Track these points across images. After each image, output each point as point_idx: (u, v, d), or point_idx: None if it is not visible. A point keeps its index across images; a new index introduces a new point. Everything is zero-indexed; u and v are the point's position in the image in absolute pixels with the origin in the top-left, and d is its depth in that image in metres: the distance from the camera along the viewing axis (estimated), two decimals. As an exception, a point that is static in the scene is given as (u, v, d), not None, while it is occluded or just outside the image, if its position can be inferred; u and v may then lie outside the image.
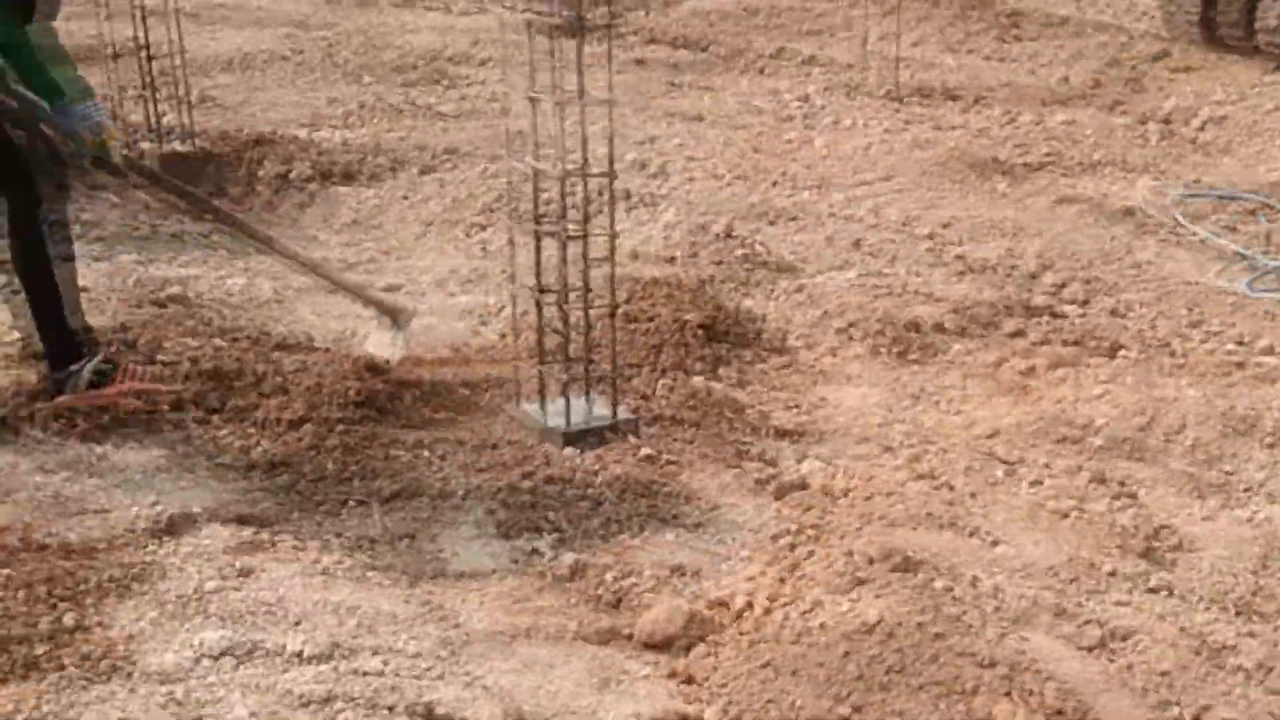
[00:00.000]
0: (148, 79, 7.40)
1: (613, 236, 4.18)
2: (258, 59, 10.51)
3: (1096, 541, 3.37)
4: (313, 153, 7.32)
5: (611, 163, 4.10)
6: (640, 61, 10.50)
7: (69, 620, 2.97)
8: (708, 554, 3.53)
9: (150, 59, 7.41)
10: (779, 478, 3.94)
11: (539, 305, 4.30)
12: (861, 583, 3.08)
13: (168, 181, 5.15)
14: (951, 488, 3.66)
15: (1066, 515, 3.47)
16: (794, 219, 6.35)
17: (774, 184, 6.93)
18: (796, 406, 4.49)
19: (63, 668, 2.84)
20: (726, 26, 12.13)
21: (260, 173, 7.22)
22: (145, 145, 7.34)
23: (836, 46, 10.72)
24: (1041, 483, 3.66)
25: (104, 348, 4.21)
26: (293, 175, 7.11)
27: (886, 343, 4.84)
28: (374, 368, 4.44)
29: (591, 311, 4.97)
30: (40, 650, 2.87)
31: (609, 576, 3.39)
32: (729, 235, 5.75)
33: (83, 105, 4.05)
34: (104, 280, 4.99)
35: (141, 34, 7.42)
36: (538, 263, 4.24)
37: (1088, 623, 3.02)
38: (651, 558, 3.48)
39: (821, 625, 2.98)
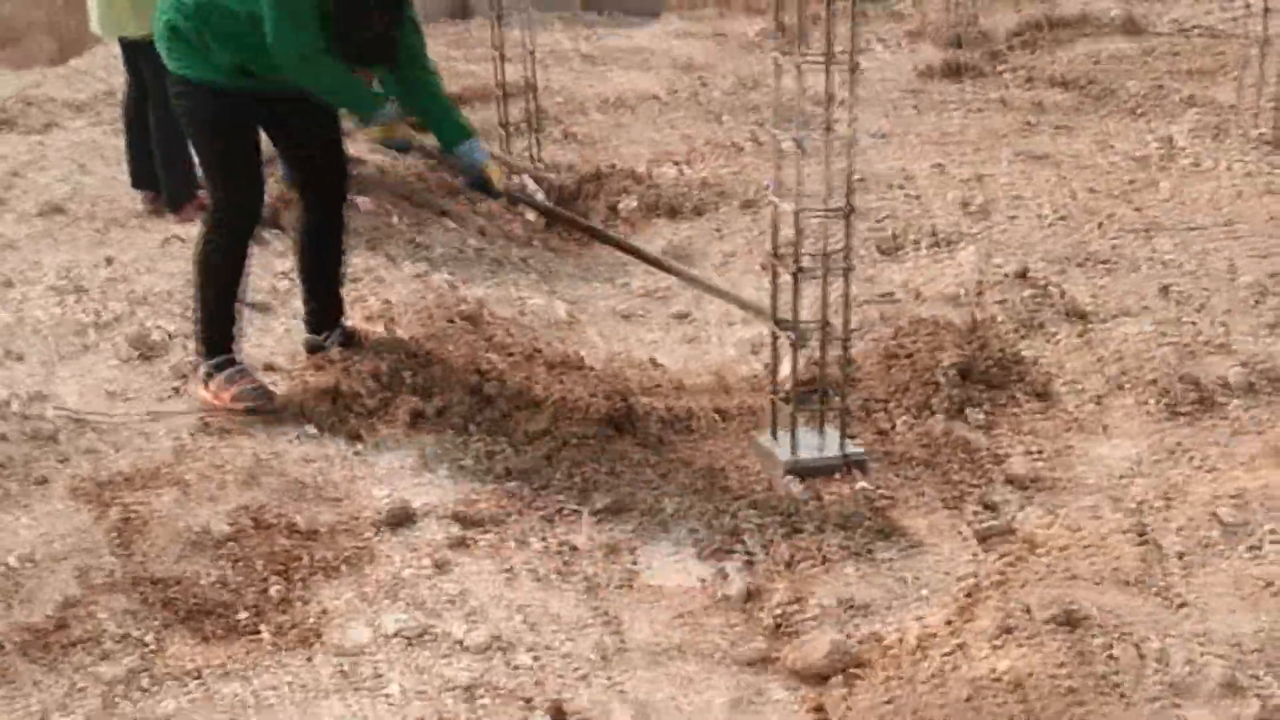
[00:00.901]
0: (504, 119, 8.00)
1: (847, 271, 4.19)
2: (631, 98, 11.06)
3: (1300, 616, 3.09)
4: (644, 186, 7.67)
5: (849, 197, 4.12)
6: (1004, 102, 10.27)
7: (274, 593, 3.34)
8: (886, 591, 3.50)
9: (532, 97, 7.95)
10: (992, 522, 3.83)
11: (774, 337, 4.38)
12: (1009, 631, 2.98)
13: (539, 204, 5.69)
14: (1159, 546, 3.45)
15: (1272, 584, 3.19)
16: (1106, 262, 6.07)
17: (1099, 226, 6.64)
18: (1039, 454, 4.33)
19: (257, 634, 3.21)
20: (1112, 67, 11.65)
21: (594, 204, 7.64)
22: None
23: (1222, 87, 10.08)
24: (1260, 549, 3.38)
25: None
26: (620, 208, 7.48)
27: (1158, 394, 4.57)
28: (623, 392, 4.64)
29: (852, 348, 5.02)
30: (242, 616, 3.25)
31: (776, 601, 3.42)
32: (1021, 276, 5.58)
33: (471, 142, 4.56)
34: (413, 297, 5.46)
35: (501, 75, 7.97)
36: (774, 296, 4.32)
37: (1256, 697, 2.79)
38: (827, 589, 3.49)
39: (956, 670, 2.91)
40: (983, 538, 3.72)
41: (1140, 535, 3.47)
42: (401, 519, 3.75)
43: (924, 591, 3.49)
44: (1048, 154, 8.34)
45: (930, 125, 9.33)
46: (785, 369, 4.67)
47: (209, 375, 4.49)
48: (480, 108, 9.77)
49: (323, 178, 4.70)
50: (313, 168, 4.70)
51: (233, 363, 4.54)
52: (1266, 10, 8.51)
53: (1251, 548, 3.40)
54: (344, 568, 3.50)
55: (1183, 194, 7.19)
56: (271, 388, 4.53)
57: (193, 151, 4.88)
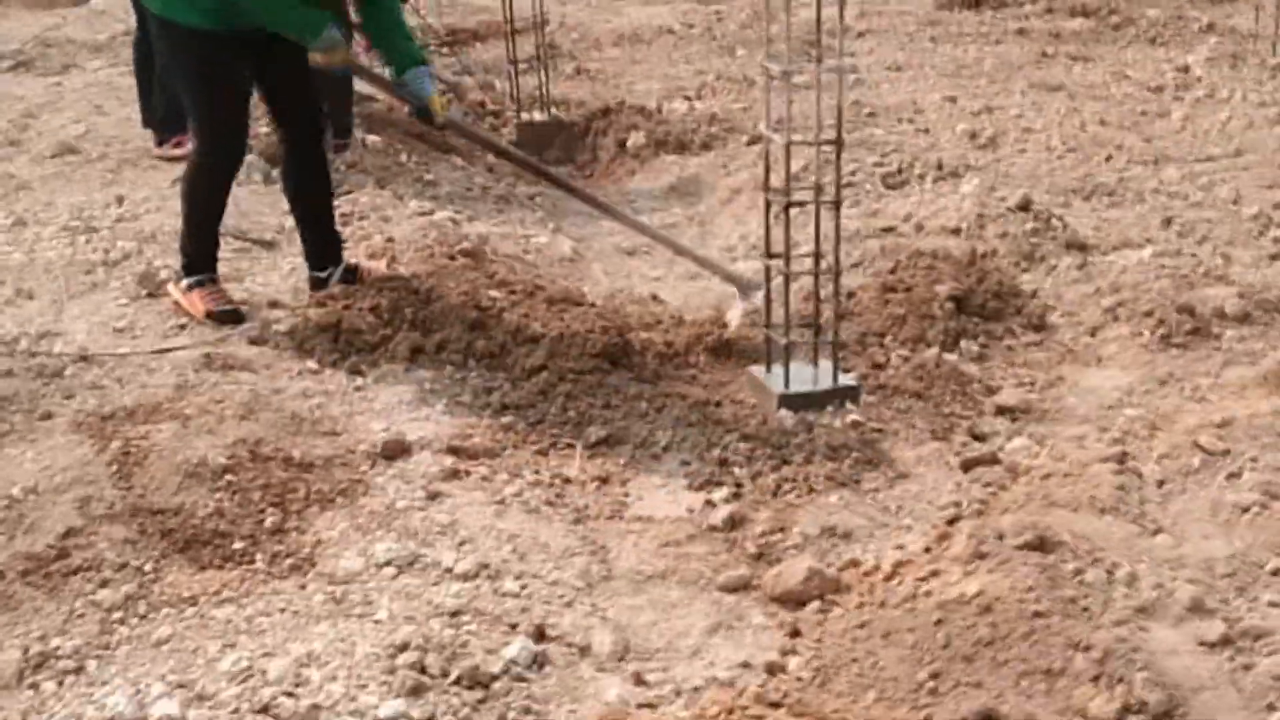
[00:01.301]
0: (512, 56, 7.98)
1: (837, 205, 4.21)
2: (647, 33, 11.03)
3: (1272, 540, 3.13)
4: (653, 122, 7.68)
5: (840, 131, 4.13)
6: (1021, 31, 10.20)
7: (270, 523, 3.43)
8: (868, 519, 3.55)
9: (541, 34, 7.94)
10: (977, 450, 3.87)
11: (767, 271, 4.41)
12: (983, 557, 3.04)
13: (482, 138, 5.69)
14: (1139, 474, 3.49)
15: (1248, 510, 3.23)
16: (1112, 194, 6.07)
17: (1108, 158, 6.62)
18: (1030, 384, 4.37)
19: (253, 563, 3.30)
20: (1133, -5, 11.51)
21: (602, 140, 7.66)
22: (509, 114, 7.97)
23: (1245, 14, 9.95)
24: (1239, 476, 3.42)
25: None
26: (629, 144, 7.50)
27: (1153, 324, 4.59)
28: (620, 327, 4.68)
29: (850, 282, 5.04)
30: (238, 546, 3.34)
31: (758, 530, 3.49)
32: (1024, 209, 5.58)
33: (420, 69, 4.67)
34: (416, 234, 5.52)
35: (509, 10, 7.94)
36: (766, 229, 4.35)
37: (1223, 619, 2.84)
38: (810, 517, 3.55)
39: (928, 594, 2.97)
40: (967, 466, 3.77)
41: (1120, 463, 3.50)
42: (397, 451, 3.83)
43: (906, 520, 3.54)
44: (1062, 84, 8.29)
45: (945, 57, 9.28)
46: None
47: (189, 287, 4.78)
48: (495, 44, 9.77)
49: (295, 116, 4.83)
50: (285, 107, 4.83)
51: (213, 280, 4.82)
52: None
53: (1230, 475, 3.44)
54: (339, 499, 3.58)
55: (1195, 124, 7.15)
56: (248, 312, 4.81)
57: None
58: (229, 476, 3.55)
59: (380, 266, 5.04)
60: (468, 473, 3.76)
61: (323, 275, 4.91)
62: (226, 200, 4.81)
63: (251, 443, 3.71)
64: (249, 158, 6.43)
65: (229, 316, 4.71)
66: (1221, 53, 8.70)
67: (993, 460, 3.77)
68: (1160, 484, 3.45)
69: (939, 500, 3.61)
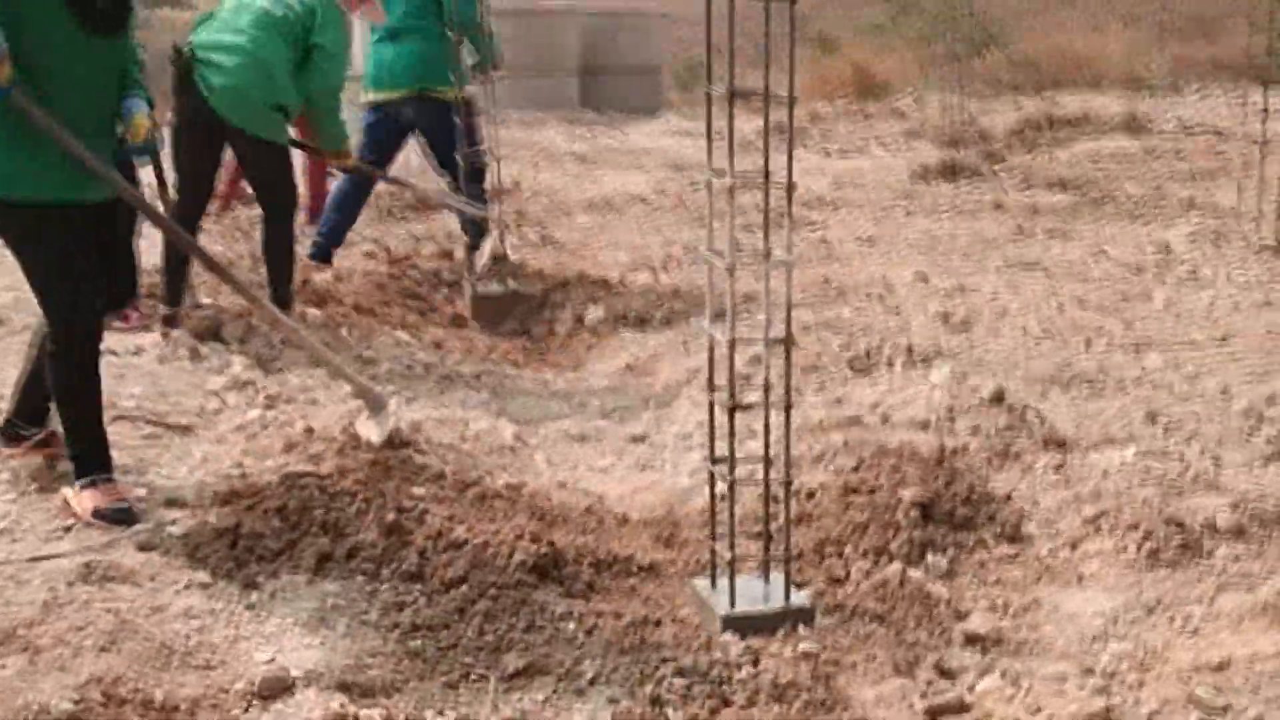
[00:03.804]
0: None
1: (788, 408, 3.81)
2: (619, 200, 10.81)
3: (1285, 829, 2.66)
4: (613, 295, 7.35)
5: (789, 327, 3.76)
6: (998, 205, 9.99)
7: (115, 782, 2.94)
8: (816, 782, 3.07)
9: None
10: (944, 693, 3.40)
11: (711, 476, 3.99)
12: None
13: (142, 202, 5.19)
14: (1127, 734, 3.03)
15: (1251, 789, 2.77)
16: (1091, 383, 5.70)
17: (1087, 343, 6.28)
18: (1004, 608, 3.92)
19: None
20: (1112, 167, 11.38)
21: (560, 314, 7.32)
22: (465, 285, 7.64)
23: (1224, 190, 9.76)
24: (1242, 740, 2.96)
25: None
26: (587, 318, 7.16)
27: (1138, 538, 4.16)
28: (551, 535, 4.25)
29: (811, 480, 4.64)
30: (70, 812, 2.85)
31: (690, 796, 3.01)
32: (997, 400, 5.20)
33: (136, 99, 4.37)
34: (343, 422, 5.10)
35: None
36: (711, 431, 3.95)
37: None
38: (750, 779, 3.07)
39: None
40: (933, 715, 3.30)
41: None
42: (277, 689, 3.34)
43: (860, 784, 3.06)
44: (1038, 262, 8.02)
45: (919, 230, 9.03)
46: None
47: (82, 487, 4.34)
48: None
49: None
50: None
51: (108, 479, 4.37)
52: (1265, 112, 8.20)
53: (1232, 739, 2.98)
54: (201, 752, 3.10)
55: (1178, 305, 6.84)
56: (142, 511, 4.33)
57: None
58: (74, 726, 3.06)
59: (303, 465, 4.62)
60: (356, 718, 3.27)
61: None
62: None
63: (108, 682, 3.22)
64: (175, 333, 6.10)
65: (118, 516, 4.26)
66: (1203, 230, 8.46)
67: (961, 708, 3.31)
68: (1151, 749, 2.99)
69: (899, 758, 3.14)
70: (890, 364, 5.91)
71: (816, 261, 8.01)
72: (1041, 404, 5.33)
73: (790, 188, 3.65)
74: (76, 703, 3.12)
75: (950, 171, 11.40)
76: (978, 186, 10.82)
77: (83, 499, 4.31)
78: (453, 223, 9.47)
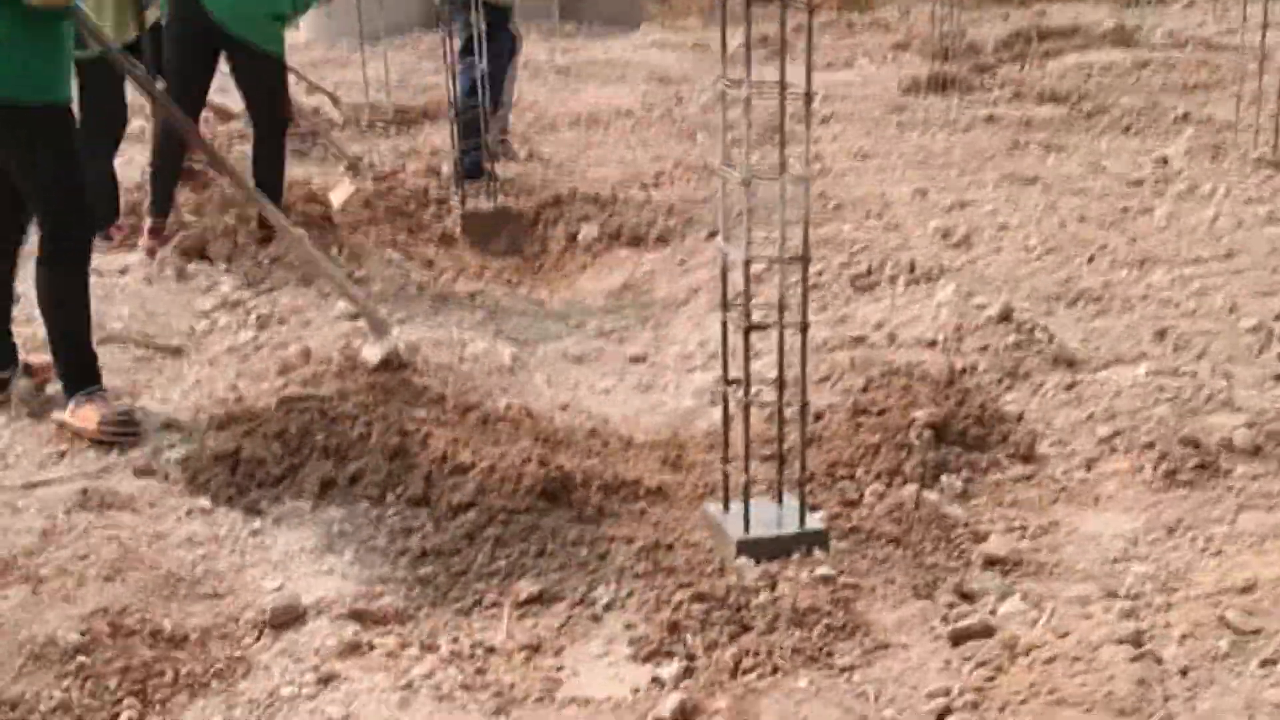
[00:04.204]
0: (457, 140, 7.50)
1: (804, 328, 3.71)
2: (604, 115, 10.59)
3: (1326, 754, 2.62)
4: (606, 213, 7.20)
5: (806, 244, 3.65)
6: (990, 119, 9.82)
7: (126, 717, 2.86)
8: (844, 711, 3.01)
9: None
10: (966, 617, 3.35)
11: (724, 398, 3.90)
12: (983, 778, 2.51)
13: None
14: (1159, 660, 2.97)
15: (1291, 713, 2.73)
16: (1098, 300, 5.61)
17: (1090, 259, 6.18)
18: (1022, 529, 3.86)
19: (99, 768, 2.73)
20: (1104, 80, 11.21)
21: (552, 231, 7.18)
22: (453, 203, 7.47)
23: (1220, 103, 9.62)
24: (1276, 663, 2.91)
25: None
26: (581, 237, 7.02)
27: (1155, 458, 4.10)
28: (560, 459, 4.16)
29: (819, 402, 4.56)
30: (83, 747, 2.77)
31: (713, 725, 2.95)
32: (1004, 318, 5.11)
33: None
34: (339, 343, 4.98)
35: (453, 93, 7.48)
36: (724, 351, 3.85)
37: None
38: (774, 708, 3.01)
39: (918, 828, 2.43)
40: (956, 639, 3.24)
41: (1137, 646, 2.99)
42: (288, 619, 3.27)
43: (888, 711, 3.01)
44: (1036, 176, 7.89)
45: (913, 145, 8.88)
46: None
47: (76, 405, 4.29)
48: (445, 124, 9.30)
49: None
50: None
51: (103, 391, 4.37)
52: (1265, 25, 8.05)
53: (1265, 662, 2.93)
54: (213, 683, 3.01)
55: (1179, 221, 6.74)
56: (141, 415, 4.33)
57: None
58: (81, 658, 2.98)
59: (295, 387, 4.51)
60: (371, 646, 3.20)
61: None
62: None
63: (114, 612, 3.14)
64: (162, 253, 5.95)
65: (124, 421, 4.22)
66: (1200, 144, 8.33)
67: (986, 632, 3.24)
68: (1184, 673, 2.94)
69: (926, 684, 3.07)
70: (893, 281, 5.81)
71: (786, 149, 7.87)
72: (1048, 321, 5.25)
73: (809, 97, 3.51)
74: (83, 633, 3.04)
75: (940, 84, 11.20)
76: (968, 100, 10.64)
77: (83, 414, 4.22)
78: (437, 137, 9.29)
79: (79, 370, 4.29)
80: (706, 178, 8.05)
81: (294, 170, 7.25)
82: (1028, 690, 2.89)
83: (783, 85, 3.57)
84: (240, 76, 6.21)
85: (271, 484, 3.97)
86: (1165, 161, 8.07)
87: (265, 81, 6.13)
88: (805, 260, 3.65)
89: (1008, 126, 9.49)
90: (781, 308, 3.72)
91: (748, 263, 3.64)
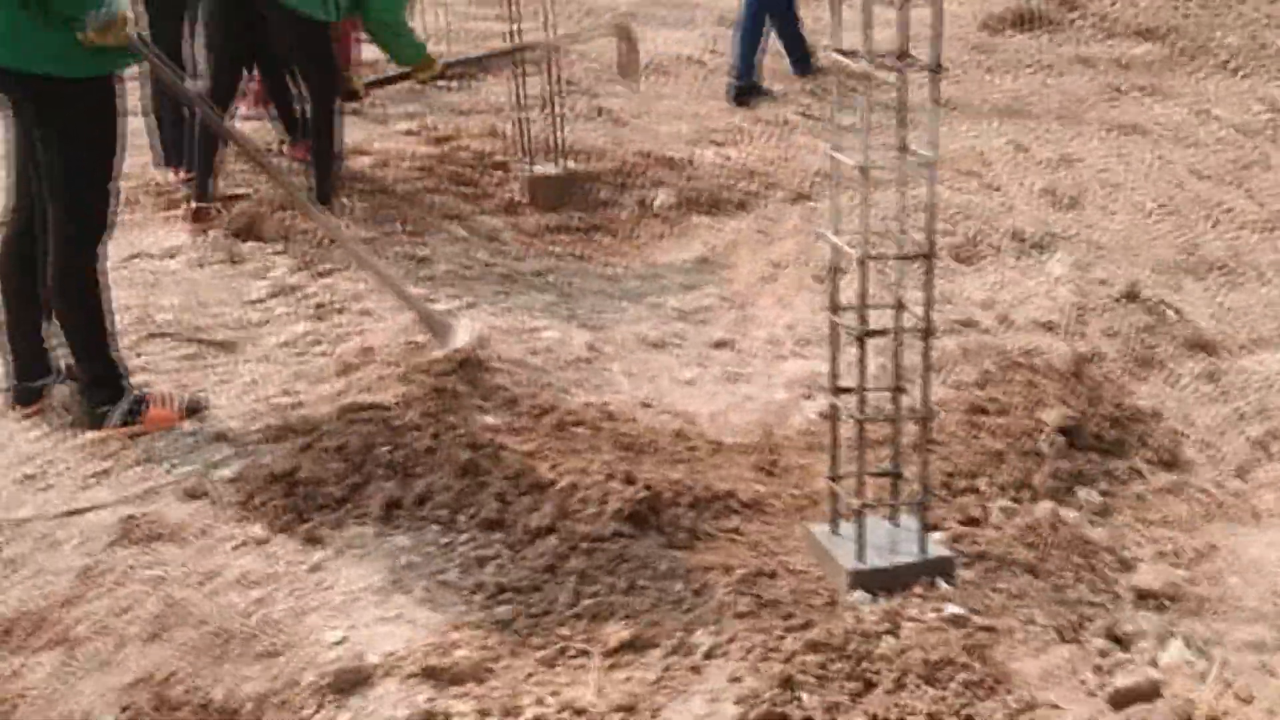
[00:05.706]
0: (519, 94, 7.04)
1: (927, 333, 3.27)
2: (669, 63, 10.08)
3: None
4: (681, 177, 6.75)
5: (931, 237, 3.20)
6: (1084, 60, 9.23)
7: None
8: (992, 793, 2.61)
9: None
10: (1123, 668, 2.92)
11: (834, 409, 3.47)
12: None
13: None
14: (1367, 734, 2.54)
15: None
16: (1226, 271, 5.11)
17: (1213, 222, 5.67)
18: (1175, 555, 3.41)
19: None
20: (1200, 14, 10.52)
21: (623, 197, 6.73)
22: (517, 165, 7.05)
23: (1331, 36, 8.99)
24: None
25: None
26: (656, 204, 6.57)
27: (1321, 466, 3.64)
28: (648, 476, 3.75)
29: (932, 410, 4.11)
30: None
31: (842, 815, 2.56)
32: (1131, 296, 4.63)
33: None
34: (402, 337, 4.59)
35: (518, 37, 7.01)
36: (833, 359, 3.42)
37: None
38: (911, 789, 2.61)
39: None
40: (1118, 703, 2.81)
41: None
42: (353, 681, 2.89)
43: (1045, 797, 2.60)
44: (1138, 125, 7.34)
45: (1003, 91, 8.32)
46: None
47: (123, 420, 4.04)
48: (504, 80, 8.85)
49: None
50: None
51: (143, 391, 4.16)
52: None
53: None
54: (271, 766, 2.66)
55: (1306, 175, 6.20)
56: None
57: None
58: (121, 738, 2.63)
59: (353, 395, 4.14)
60: (450, 712, 2.82)
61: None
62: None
63: (158, 680, 2.78)
64: (214, 234, 5.61)
65: (195, 404, 4.18)
66: (1318, 86, 7.74)
67: (1152, 692, 2.81)
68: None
69: (1086, 764, 2.66)
70: (998, 251, 5.33)
71: (894, 129, 7.35)
72: (1177, 298, 4.76)
73: (937, 70, 3.05)
74: (123, 709, 2.68)
75: (1023, 21, 10.57)
76: (1056, 38, 10.02)
77: (154, 419, 4.05)
78: (497, 94, 8.83)
79: (108, 374, 4.05)
80: (786, 134, 7.57)
81: (353, 133, 6.86)
82: (1216, 779, 2.47)
83: (903, 55, 3.11)
84: (289, 46, 5.83)
85: (332, 507, 3.60)
86: (1277, 106, 7.49)
87: (314, 48, 5.76)
88: (930, 257, 3.20)
89: (1103, 69, 8.90)
90: (899, 307, 3.29)
91: (864, 261, 3.19)
